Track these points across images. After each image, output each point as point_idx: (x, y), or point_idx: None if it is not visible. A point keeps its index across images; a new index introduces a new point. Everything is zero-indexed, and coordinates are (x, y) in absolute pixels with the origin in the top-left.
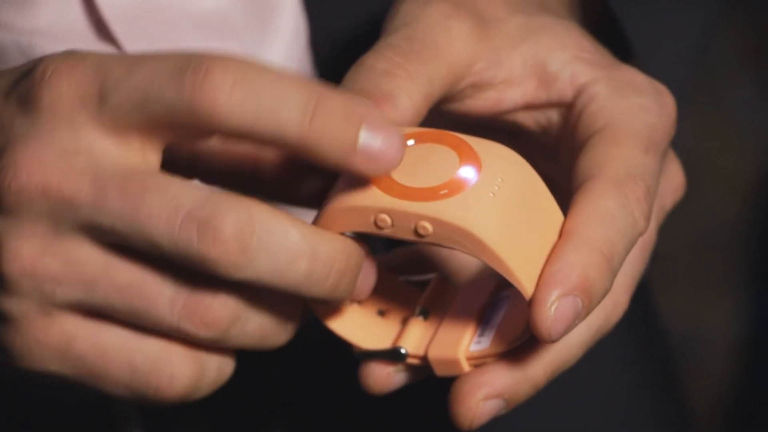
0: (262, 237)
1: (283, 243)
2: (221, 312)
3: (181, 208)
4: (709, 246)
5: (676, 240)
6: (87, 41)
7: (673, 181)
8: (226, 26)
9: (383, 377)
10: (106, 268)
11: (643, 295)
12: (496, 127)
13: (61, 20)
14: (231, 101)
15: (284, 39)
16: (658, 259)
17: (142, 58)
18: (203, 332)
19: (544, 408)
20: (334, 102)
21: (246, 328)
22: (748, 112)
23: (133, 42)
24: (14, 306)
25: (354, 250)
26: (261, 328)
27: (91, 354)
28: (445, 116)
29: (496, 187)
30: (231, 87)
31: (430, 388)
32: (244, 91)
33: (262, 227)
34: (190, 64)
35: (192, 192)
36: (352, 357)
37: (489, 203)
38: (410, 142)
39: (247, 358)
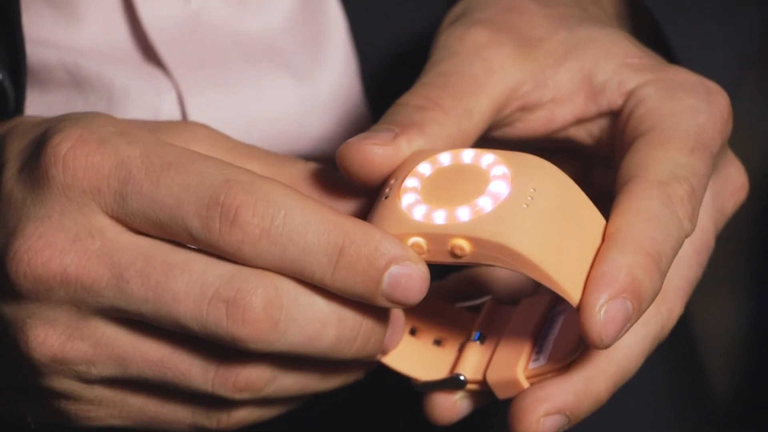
0: (290, 310)
1: (310, 313)
2: (254, 376)
3: (207, 288)
4: None
5: None
6: (133, 62)
7: (733, 183)
8: (274, 51)
9: (448, 407)
10: (135, 345)
11: None
12: (549, 147)
13: (107, 39)
14: (257, 251)
15: (334, 63)
16: None
17: (169, 169)
18: (238, 395)
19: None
20: (358, 247)
21: (283, 384)
22: (750, 110)
23: (178, 64)
24: (57, 384)
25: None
26: (299, 382)
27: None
28: (497, 142)
29: (529, 198)
30: (258, 237)
31: None
32: (270, 242)
33: (289, 300)
34: (219, 201)
35: (216, 269)
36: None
37: (523, 215)
38: (442, 163)
39: None
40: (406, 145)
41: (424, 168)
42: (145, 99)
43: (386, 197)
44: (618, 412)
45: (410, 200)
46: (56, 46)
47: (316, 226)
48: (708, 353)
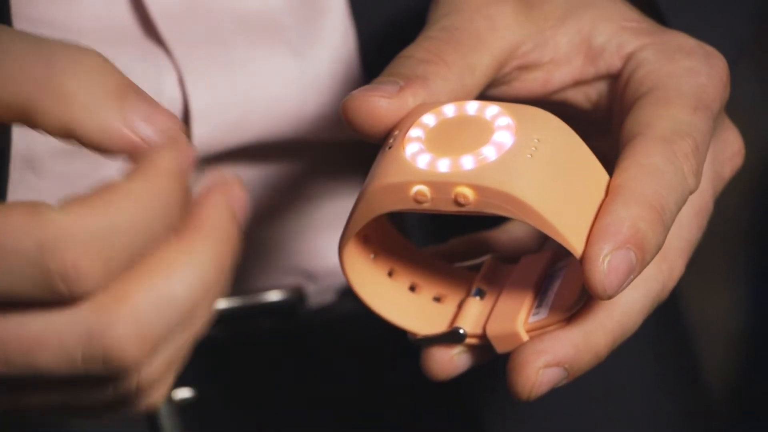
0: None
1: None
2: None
3: (73, 353)
4: (710, 235)
5: None
6: (133, 40)
7: (731, 147)
8: (272, 26)
9: (446, 361)
10: None
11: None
12: (547, 108)
13: (108, 15)
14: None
15: (332, 39)
16: None
17: None
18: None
19: (566, 404)
20: None
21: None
22: (749, 104)
23: (179, 41)
24: None
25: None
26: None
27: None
28: (494, 100)
29: (534, 148)
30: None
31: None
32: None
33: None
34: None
35: (72, 330)
36: (394, 364)
37: (527, 164)
38: (446, 114)
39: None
40: (411, 99)
41: (429, 119)
42: (146, 80)
43: (390, 147)
44: (608, 403)
45: (414, 149)
46: (55, 25)
47: None
48: (707, 346)
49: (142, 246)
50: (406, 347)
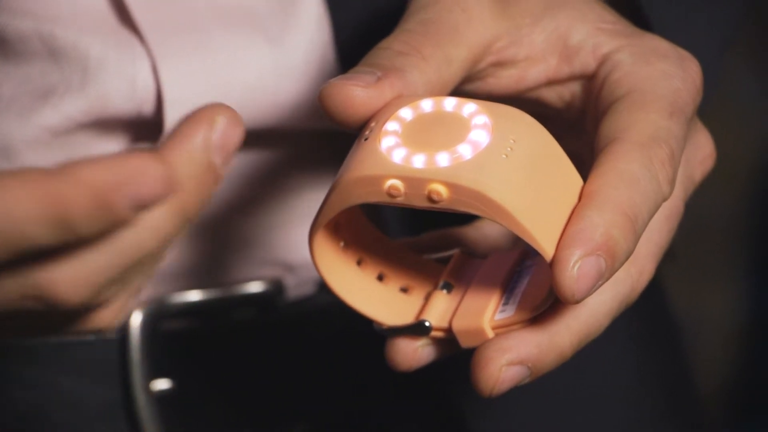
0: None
1: None
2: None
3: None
4: (709, 233)
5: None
6: (108, 28)
7: (702, 151)
8: (247, 14)
9: (410, 353)
10: None
11: (653, 284)
12: (520, 106)
13: (82, 4)
14: None
15: (307, 27)
16: None
17: None
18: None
19: (549, 400)
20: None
21: None
22: (749, 99)
23: (153, 28)
24: None
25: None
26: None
27: None
28: (468, 96)
29: (509, 149)
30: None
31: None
32: None
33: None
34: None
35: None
36: (372, 356)
37: (502, 164)
38: (424, 109)
39: (269, 355)
40: (388, 89)
41: (406, 113)
42: (121, 69)
43: (366, 139)
44: (589, 397)
45: (390, 143)
46: (32, 15)
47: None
48: (707, 340)
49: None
50: (385, 340)
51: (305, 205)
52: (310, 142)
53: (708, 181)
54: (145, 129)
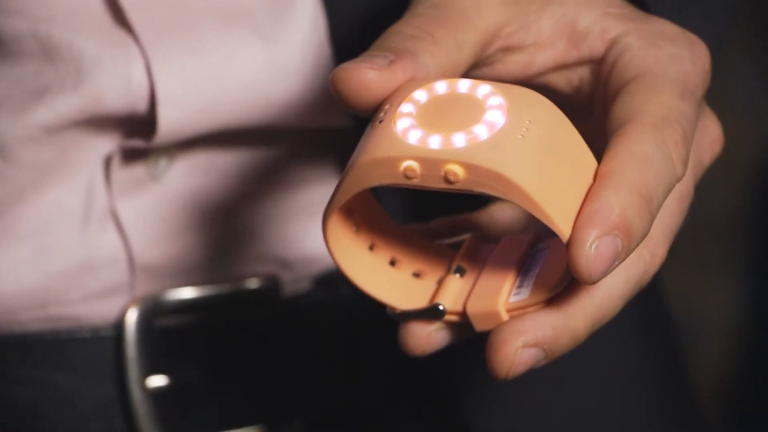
0: None
1: None
2: None
3: None
4: (709, 230)
5: None
6: (102, 27)
7: (711, 135)
8: (241, 13)
9: (424, 337)
10: None
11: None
12: None
13: (77, 3)
14: None
15: (302, 26)
16: None
17: None
18: None
19: (549, 397)
20: None
21: None
22: (749, 96)
23: (147, 27)
24: None
25: None
26: None
27: None
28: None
29: (525, 129)
30: None
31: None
32: None
33: None
34: None
35: None
36: (369, 353)
37: (518, 145)
38: (438, 91)
39: (265, 351)
40: (401, 72)
41: (420, 95)
42: (115, 68)
43: (380, 121)
44: (588, 393)
45: (405, 125)
46: (28, 15)
47: None
48: (707, 339)
49: None
50: (382, 335)
51: (301, 201)
52: (306, 139)
53: (708, 179)
54: (139, 126)
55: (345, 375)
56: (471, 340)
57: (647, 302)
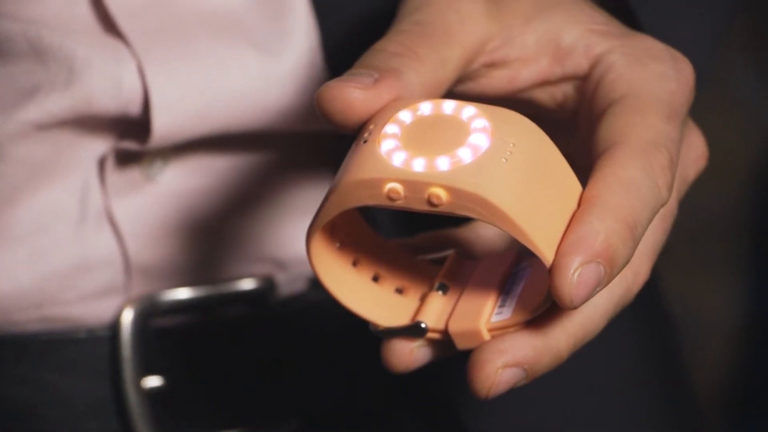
0: None
1: None
2: None
3: None
4: (708, 231)
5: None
6: (95, 33)
7: (695, 151)
8: (234, 22)
9: (406, 354)
10: None
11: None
12: (512, 106)
13: (68, 11)
14: None
15: (295, 36)
16: None
17: None
18: None
19: (545, 397)
20: None
21: None
22: (747, 96)
23: (139, 36)
24: None
25: None
26: None
27: None
28: (460, 97)
29: (509, 152)
30: None
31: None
32: None
33: None
34: None
35: None
36: (365, 353)
37: (502, 168)
38: (423, 112)
39: (260, 352)
40: (386, 91)
41: (405, 116)
42: (107, 70)
43: (365, 141)
44: (586, 396)
45: (390, 146)
46: (19, 18)
47: None
48: (707, 339)
49: None
50: (377, 338)
51: (296, 202)
52: (300, 143)
53: (707, 180)
54: (133, 129)
55: (340, 375)
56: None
57: (645, 303)
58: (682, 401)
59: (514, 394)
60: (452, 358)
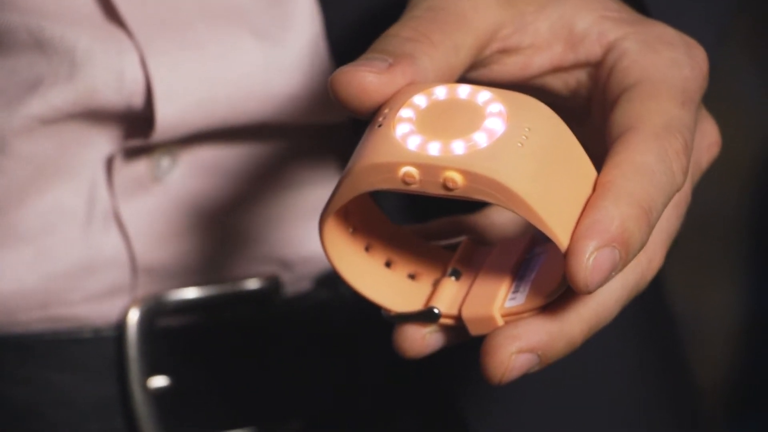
0: None
1: None
2: None
3: None
4: (708, 229)
5: None
6: (95, 23)
7: (708, 138)
8: (237, 13)
9: (418, 340)
10: None
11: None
12: (525, 93)
13: (69, 2)
14: None
15: (298, 25)
16: None
17: None
18: None
19: (547, 397)
20: None
21: None
22: (748, 94)
23: (140, 25)
24: None
25: None
26: None
27: None
28: (473, 83)
29: (524, 137)
30: None
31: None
32: None
33: None
34: None
35: None
36: (369, 353)
37: (518, 153)
38: (438, 96)
39: (266, 351)
40: (400, 76)
41: (420, 100)
42: (108, 61)
43: (380, 126)
44: (588, 394)
45: (405, 130)
46: (19, 8)
47: None
48: (708, 337)
49: None
50: (383, 336)
51: (302, 201)
52: (306, 137)
53: (708, 177)
54: (137, 124)
55: (345, 375)
56: (469, 341)
57: (647, 302)
58: (684, 401)
59: (517, 393)
60: (457, 359)
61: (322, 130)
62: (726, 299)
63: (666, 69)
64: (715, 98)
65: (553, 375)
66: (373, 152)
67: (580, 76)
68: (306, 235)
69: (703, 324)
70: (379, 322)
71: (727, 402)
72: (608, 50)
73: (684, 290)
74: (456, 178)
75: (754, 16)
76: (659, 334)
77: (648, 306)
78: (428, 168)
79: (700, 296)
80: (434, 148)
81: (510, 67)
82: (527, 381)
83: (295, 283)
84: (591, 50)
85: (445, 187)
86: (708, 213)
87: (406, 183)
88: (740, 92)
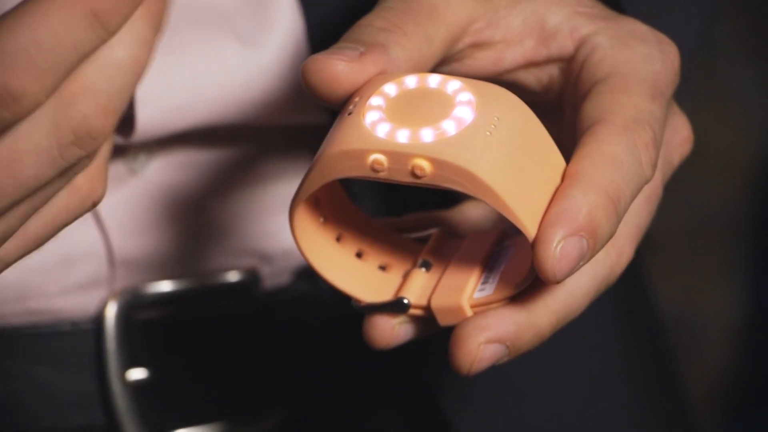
0: None
1: None
2: None
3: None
4: (707, 229)
5: (673, 223)
6: None
7: (680, 134)
8: (219, 17)
9: (387, 330)
10: None
11: (636, 277)
12: None
13: None
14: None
15: (280, 28)
16: (654, 242)
17: None
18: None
19: (535, 395)
20: None
21: None
22: (747, 94)
23: None
24: None
25: None
26: None
27: None
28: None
29: (493, 126)
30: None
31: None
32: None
33: None
34: None
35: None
36: (349, 346)
37: (486, 141)
38: (408, 85)
39: (245, 345)
40: (371, 65)
41: (390, 88)
42: None
43: (349, 113)
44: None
45: (374, 117)
46: (4, 6)
47: None
48: (705, 338)
49: (74, 57)
50: (362, 329)
51: (279, 195)
52: (283, 135)
53: (708, 177)
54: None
55: (326, 368)
56: (447, 334)
57: (633, 301)
58: (671, 401)
59: (498, 390)
60: (437, 349)
61: (301, 128)
62: (725, 299)
63: (637, 63)
64: (714, 98)
65: (537, 373)
66: (342, 139)
67: (552, 72)
68: (284, 228)
69: (702, 324)
70: (359, 315)
71: (726, 403)
72: (580, 45)
73: (683, 291)
74: (424, 165)
75: (754, 16)
76: (645, 334)
77: (633, 305)
78: (396, 155)
79: (700, 296)
80: (403, 136)
81: (482, 61)
82: (511, 380)
83: (275, 277)
84: (563, 45)
85: (414, 175)
86: (706, 213)
87: (374, 170)
88: (739, 92)
